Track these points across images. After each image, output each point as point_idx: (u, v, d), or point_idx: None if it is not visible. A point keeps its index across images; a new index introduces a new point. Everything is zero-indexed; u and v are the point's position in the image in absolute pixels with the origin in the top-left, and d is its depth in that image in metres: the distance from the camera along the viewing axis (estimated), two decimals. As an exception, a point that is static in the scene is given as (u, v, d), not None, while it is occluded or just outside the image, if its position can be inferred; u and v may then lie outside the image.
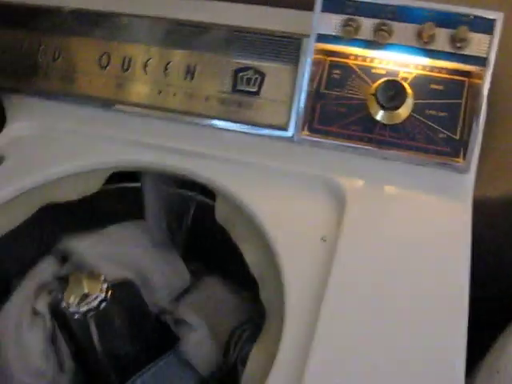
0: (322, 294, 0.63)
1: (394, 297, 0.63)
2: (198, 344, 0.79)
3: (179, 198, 0.88)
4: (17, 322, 0.76)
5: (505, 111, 0.79)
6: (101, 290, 0.69)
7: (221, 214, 0.77)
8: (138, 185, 0.87)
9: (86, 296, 0.69)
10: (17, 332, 0.76)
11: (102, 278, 0.70)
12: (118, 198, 0.90)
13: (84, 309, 0.68)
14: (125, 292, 0.74)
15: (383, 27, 0.71)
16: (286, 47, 0.77)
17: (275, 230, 0.71)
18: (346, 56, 0.76)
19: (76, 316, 0.68)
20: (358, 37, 0.73)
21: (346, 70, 0.76)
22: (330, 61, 0.76)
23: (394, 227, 0.70)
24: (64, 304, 0.68)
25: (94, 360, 0.75)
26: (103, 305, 0.69)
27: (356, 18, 0.72)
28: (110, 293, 0.69)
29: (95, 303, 0.68)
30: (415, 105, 0.73)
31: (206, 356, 0.79)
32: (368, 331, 0.61)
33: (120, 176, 0.85)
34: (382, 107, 0.73)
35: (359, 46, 0.74)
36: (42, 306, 0.77)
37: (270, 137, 0.77)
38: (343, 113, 0.76)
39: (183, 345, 0.79)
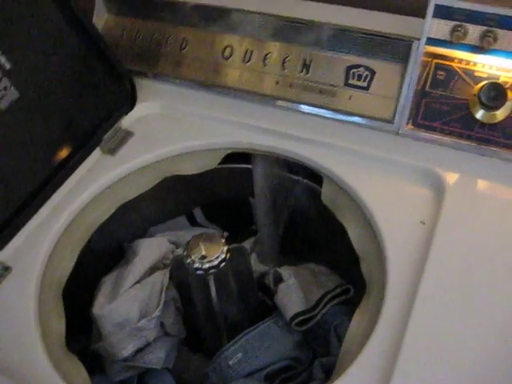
0: (421, 270, 0.70)
1: (487, 280, 0.69)
2: (286, 290, 0.87)
3: (286, 180, 0.96)
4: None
5: None
6: (222, 251, 0.77)
7: (327, 195, 0.85)
8: (249, 166, 0.96)
9: (204, 257, 0.77)
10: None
11: (223, 240, 0.78)
12: (231, 176, 0.99)
13: (206, 266, 0.76)
14: (238, 256, 0.83)
15: (488, 34, 0.78)
16: (397, 48, 0.84)
17: (378, 211, 0.78)
18: (451, 59, 0.83)
19: (199, 272, 0.77)
20: (464, 42, 0.80)
21: (451, 71, 0.83)
22: (436, 63, 0.83)
23: (488, 218, 0.76)
24: (189, 260, 0.77)
25: (209, 317, 0.84)
26: (222, 265, 0.77)
27: (464, 24, 0.79)
28: (228, 254, 0.78)
29: (216, 262, 0.76)
30: (513, 106, 0.80)
31: (292, 303, 0.85)
32: (461, 311, 0.67)
33: (232, 158, 0.94)
34: (484, 107, 0.80)
35: (465, 50, 0.80)
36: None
37: (377, 129, 0.85)
38: (445, 111, 0.83)
39: (277, 297, 0.87)
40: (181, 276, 0.85)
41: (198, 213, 1.15)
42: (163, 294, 0.84)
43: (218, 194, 1.09)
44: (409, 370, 0.62)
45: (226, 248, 0.77)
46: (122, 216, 0.88)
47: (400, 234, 0.76)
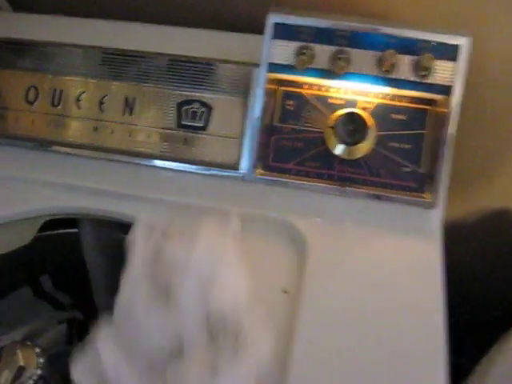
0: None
1: (369, 341, 0.59)
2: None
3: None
4: None
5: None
6: (38, 364, 0.60)
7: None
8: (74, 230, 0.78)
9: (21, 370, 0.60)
10: None
11: (38, 350, 0.61)
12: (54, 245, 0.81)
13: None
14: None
15: (340, 55, 0.65)
16: (235, 77, 0.70)
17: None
18: (300, 85, 0.69)
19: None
20: (312, 66, 0.66)
21: (301, 100, 0.69)
22: (283, 91, 0.70)
23: (360, 269, 0.65)
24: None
25: None
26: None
27: (311, 45, 0.66)
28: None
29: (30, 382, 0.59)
30: (377, 137, 0.68)
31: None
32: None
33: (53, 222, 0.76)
34: (342, 141, 0.67)
35: (315, 76, 0.67)
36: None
37: (221, 177, 0.70)
38: (299, 148, 0.69)
39: None
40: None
41: (45, 280, 0.98)
42: None
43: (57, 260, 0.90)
44: None
45: (41, 361, 0.59)
46: None
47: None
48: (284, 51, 0.67)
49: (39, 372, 0.60)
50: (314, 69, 0.67)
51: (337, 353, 0.58)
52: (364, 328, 0.60)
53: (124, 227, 0.76)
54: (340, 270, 0.64)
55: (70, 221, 0.80)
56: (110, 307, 0.83)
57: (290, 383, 0.55)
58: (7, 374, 0.61)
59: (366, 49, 0.66)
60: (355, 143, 0.66)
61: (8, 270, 0.86)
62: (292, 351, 0.58)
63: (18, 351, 0.62)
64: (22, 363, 0.61)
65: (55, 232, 0.80)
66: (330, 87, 0.69)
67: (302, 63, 0.65)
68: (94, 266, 0.80)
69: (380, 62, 0.66)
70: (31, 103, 0.75)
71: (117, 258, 0.80)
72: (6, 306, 0.93)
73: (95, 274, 0.82)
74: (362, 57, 0.66)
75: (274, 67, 0.67)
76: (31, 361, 0.61)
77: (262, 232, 0.68)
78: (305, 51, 0.65)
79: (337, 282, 0.63)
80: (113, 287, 0.80)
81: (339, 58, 0.65)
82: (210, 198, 0.70)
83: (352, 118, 0.66)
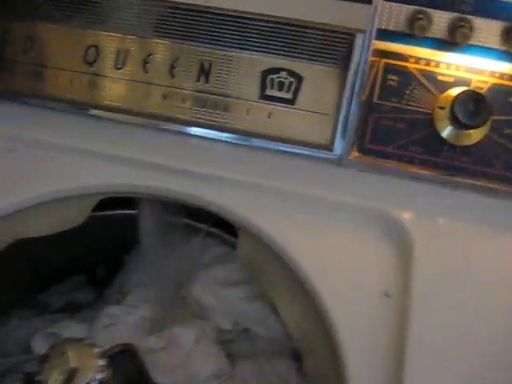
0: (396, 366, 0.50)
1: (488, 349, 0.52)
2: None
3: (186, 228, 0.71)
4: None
5: None
6: (96, 369, 0.51)
7: (244, 254, 0.61)
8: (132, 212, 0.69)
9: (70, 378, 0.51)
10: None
11: (96, 350, 0.52)
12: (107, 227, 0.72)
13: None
14: (125, 361, 0.56)
15: (462, 23, 0.56)
16: (332, 44, 0.60)
17: (320, 281, 0.56)
18: (405, 58, 0.60)
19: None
20: (428, 34, 0.57)
21: (406, 75, 0.60)
22: (386, 63, 0.60)
23: (476, 272, 0.56)
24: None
25: None
26: (99, 387, 0.51)
27: (427, 10, 0.57)
28: (106, 372, 0.51)
29: (90, 385, 0.50)
30: (492, 122, 0.58)
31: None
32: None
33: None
34: (455, 123, 0.57)
35: (429, 47, 0.58)
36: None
37: (310, 158, 0.61)
38: (402, 129, 0.60)
39: None
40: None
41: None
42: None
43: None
44: None
45: (101, 364, 0.50)
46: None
47: (357, 315, 0.53)
48: (396, 16, 0.57)
49: (99, 377, 0.51)
50: (428, 38, 0.58)
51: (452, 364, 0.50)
52: (482, 338, 0.53)
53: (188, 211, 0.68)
54: (453, 272, 0.55)
55: (126, 201, 0.70)
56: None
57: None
58: (56, 377, 0.51)
59: (492, 18, 0.57)
60: (472, 127, 0.57)
61: (61, 255, 0.78)
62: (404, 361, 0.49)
63: (71, 350, 0.52)
64: (75, 365, 0.52)
65: (111, 213, 0.70)
66: (439, 62, 0.60)
67: (421, 29, 0.56)
68: (151, 252, 0.71)
69: (507, 35, 0.56)
70: (90, 64, 0.65)
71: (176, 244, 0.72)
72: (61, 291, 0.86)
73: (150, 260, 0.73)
74: (487, 27, 0.57)
75: (381, 34, 0.58)
76: (87, 363, 0.52)
77: (356, 224, 0.59)
78: (421, 16, 0.56)
79: (450, 286, 0.55)
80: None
81: (461, 26, 0.55)
82: (297, 181, 0.60)
83: (474, 97, 0.56)
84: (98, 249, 0.82)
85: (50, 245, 0.70)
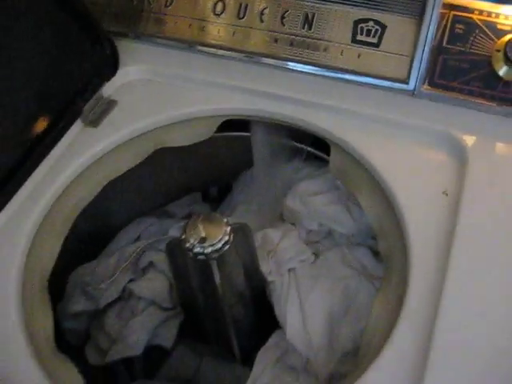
0: (448, 249, 0.64)
1: None
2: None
3: (288, 148, 0.88)
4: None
5: None
6: (224, 232, 0.69)
7: (335, 165, 0.78)
8: (246, 134, 0.87)
9: (204, 240, 0.69)
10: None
11: (225, 220, 0.70)
12: (226, 146, 0.91)
13: (209, 250, 0.68)
14: (241, 236, 0.75)
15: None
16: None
17: (395, 182, 0.71)
18: (471, 10, 0.75)
19: (200, 257, 0.69)
20: (490, -11, 0.71)
21: (470, 24, 0.75)
22: (454, 15, 0.75)
23: None
24: (188, 244, 0.68)
25: (212, 305, 0.77)
26: (226, 248, 0.69)
27: (489, -31, 0.71)
28: (232, 236, 0.70)
29: (219, 245, 0.68)
30: (542, 63, 0.72)
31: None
32: (497, 293, 0.61)
33: (227, 124, 0.85)
34: (509, 63, 0.72)
35: (492, 1, 0.72)
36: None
37: (390, 90, 0.77)
38: (465, 68, 0.75)
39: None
40: (178, 261, 0.76)
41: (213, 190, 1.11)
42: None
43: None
44: (442, 363, 0.56)
45: (228, 228, 0.68)
46: (111, 195, 0.79)
47: (421, 207, 0.69)
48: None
49: (226, 238, 0.69)
50: (491, -8, 0.72)
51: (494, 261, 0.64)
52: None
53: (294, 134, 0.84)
54: (499, 180, 0.69)
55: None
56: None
57: (450, 273, 0.61)
58: (192, 241, 0.69)
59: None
60: (523, 65, 0.71)
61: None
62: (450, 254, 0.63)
63: (202, 222, 0.70)
64: (203, 235, 0.69)
65: (228, 134, 0.88)
66: (499, 14, 0.74)
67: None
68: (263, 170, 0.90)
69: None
70: (218, 15, 0.83)
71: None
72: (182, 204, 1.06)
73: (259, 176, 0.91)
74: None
75: (450, -10, 0.73)
76: (217, 232, 0.70)
77: (425, 142, 0.74)
78: (484, -25, 0.70)
79: (494, 194, 0.68)
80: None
81: (517, -16, 0.70)
82: (379, 107, 0.77)
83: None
84: (217, 166, 1.01)
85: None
